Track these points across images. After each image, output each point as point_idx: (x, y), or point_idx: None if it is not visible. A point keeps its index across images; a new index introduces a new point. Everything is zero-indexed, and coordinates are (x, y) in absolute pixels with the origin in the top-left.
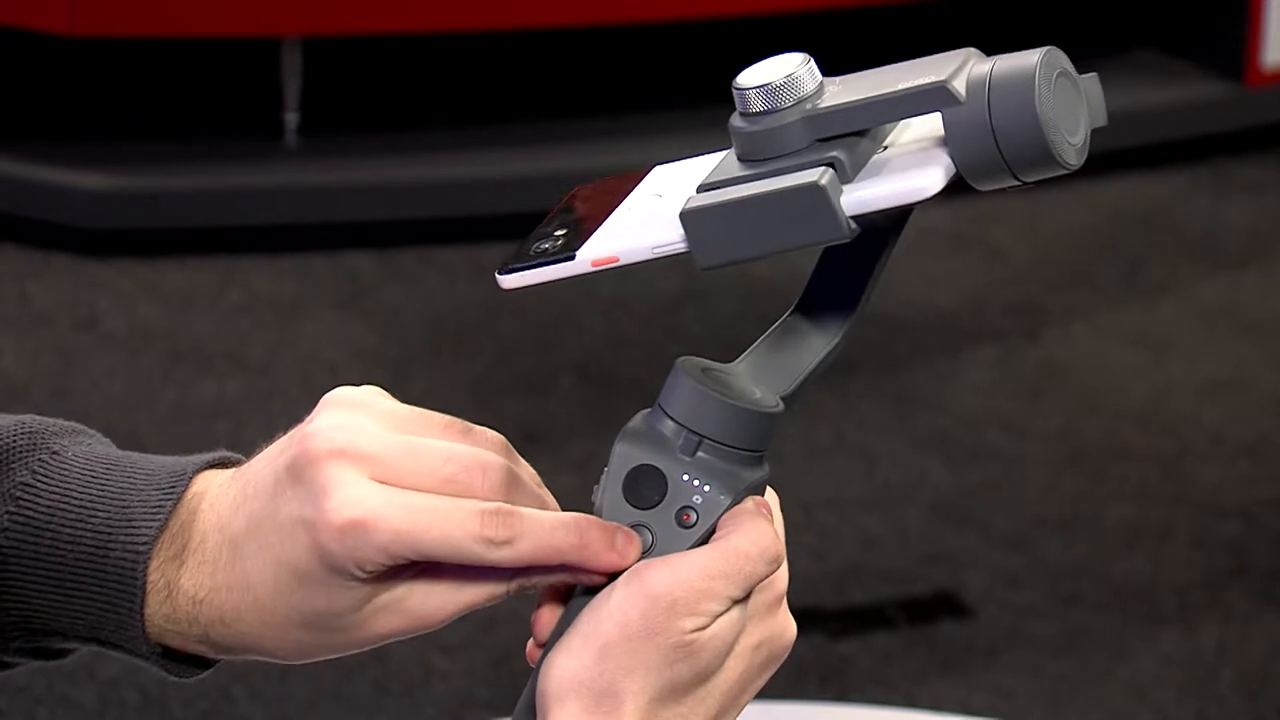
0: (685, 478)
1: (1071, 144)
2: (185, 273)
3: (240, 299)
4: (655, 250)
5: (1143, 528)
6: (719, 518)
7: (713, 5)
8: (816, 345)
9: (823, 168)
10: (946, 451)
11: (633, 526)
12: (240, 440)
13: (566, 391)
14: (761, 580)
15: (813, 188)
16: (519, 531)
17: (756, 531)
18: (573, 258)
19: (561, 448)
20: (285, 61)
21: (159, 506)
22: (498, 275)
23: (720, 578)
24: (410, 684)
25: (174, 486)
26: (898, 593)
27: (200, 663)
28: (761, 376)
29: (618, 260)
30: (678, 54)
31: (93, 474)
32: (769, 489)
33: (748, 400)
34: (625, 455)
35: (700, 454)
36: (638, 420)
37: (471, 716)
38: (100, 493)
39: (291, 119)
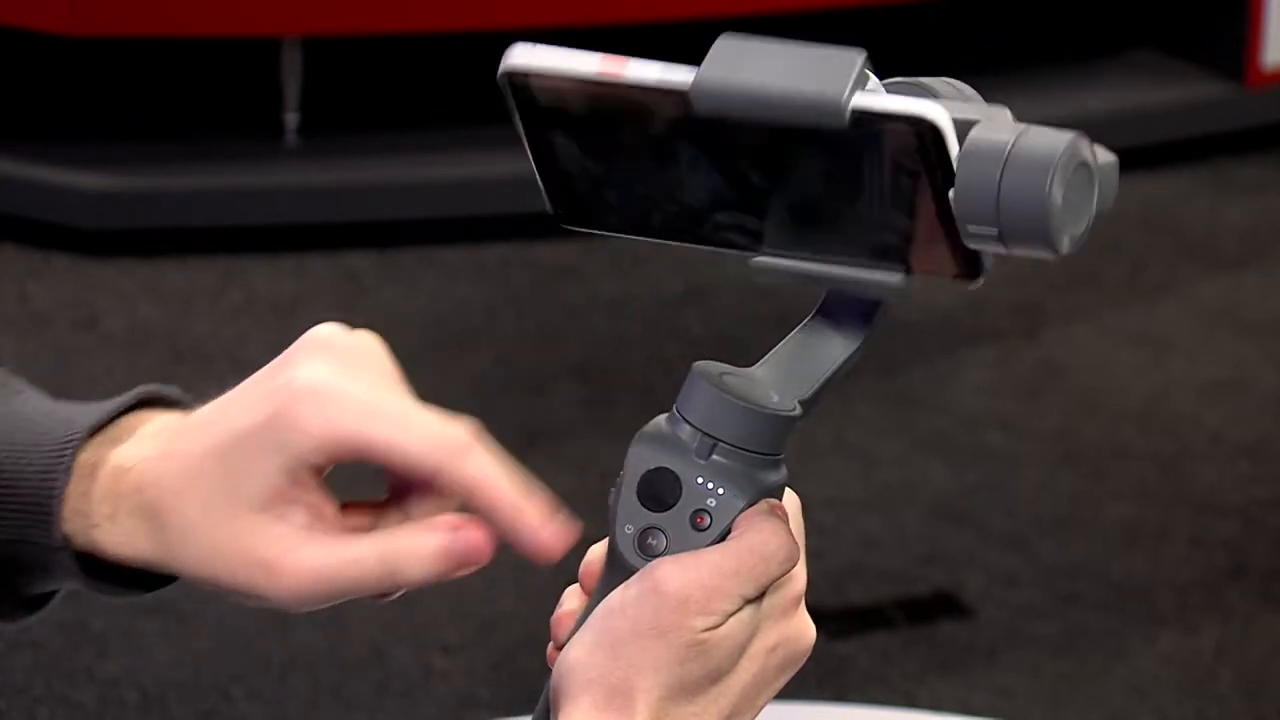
0: (700, 480)
1: (1070, 235)
2: (185, 273)
3: (240, 299)
4: (663, 75)
5: (1142, 527)
6: (733, 520)
7: (713, 5)
8: (837, 349)
9: (863, 57)
10: (945, 452)
11: (647, 529)
12: None
13: (566, 391)
14: (775, 579)
15: (846, 54)
16: (476, 455)
17: (769, 530)
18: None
19: (561, 448)
20: (285, 61)
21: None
22: (513, 46)
23: (732, 576)
24: (410, 684)
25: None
26: (897, 593)
27: (113, 579)
28: (780, 380)
29: (623, 74)
30: (677, 54)
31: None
32: (791, 492)
33: (763, 403)
34: (640, 458)
35: (715, 457)
36: (654, 424)
37: (471, 716)
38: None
39: (291, 119)
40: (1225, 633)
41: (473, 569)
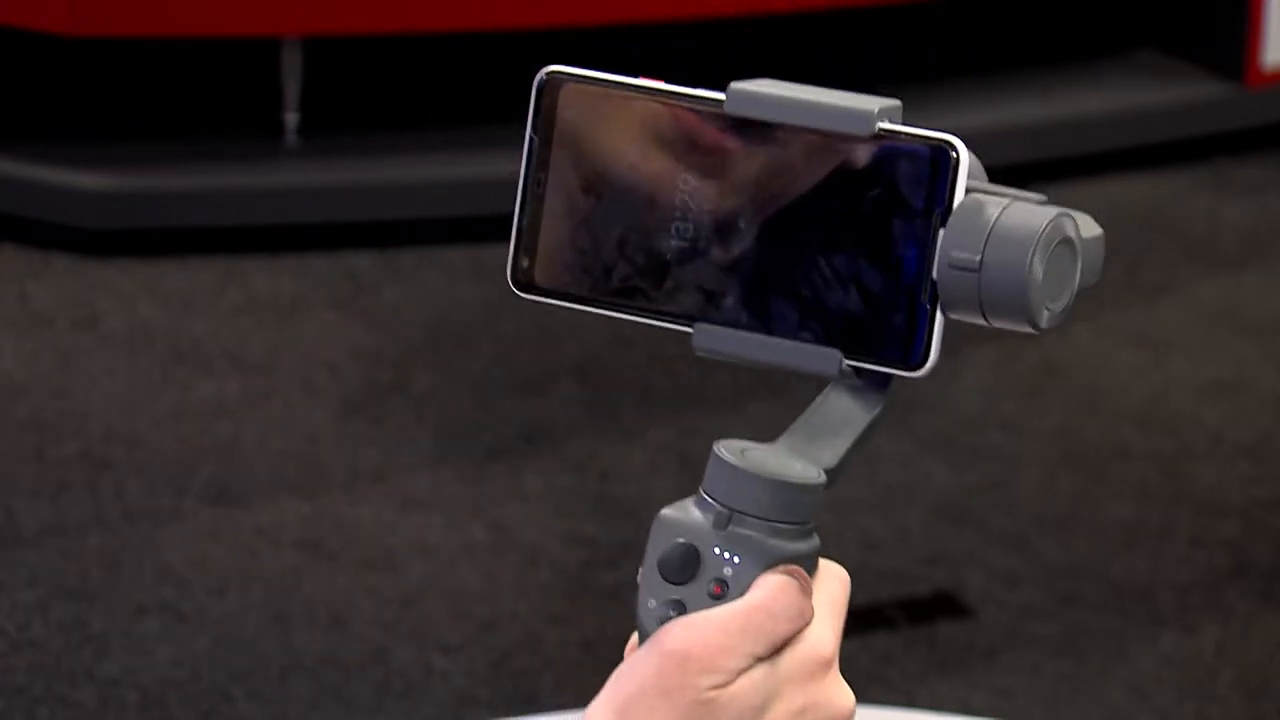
0: (717, 551)
1: (1050, 309)
2: (185, 273)
3: (240, 299)
4: (701, 91)
5: (1142, 527)
6: (748, 588)
7: (713, 5)
8: (858, 416)
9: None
10: (946, 452)
11: (669, 601)
12: (240, 440)
13: (566, 391)
14: (785, 637)
15: (867, 99)
16: None
17: (778, 587)
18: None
19: (561, 448)
20: (285, 61)
21: None
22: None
23: (738, 633)
24: (410, 684)
25: None
26: (898, 593)
27: None
28: (804, 450)
29: (662, 84)
30: (677, 54)
31: None
32: (838, 566)
33: (780, 473)
34: (661, 534)
35: (732, 527)
36: (678, 503)
37: (471, 716)
38: None
39: (291, 119)
40: (1225, 633)
41: None
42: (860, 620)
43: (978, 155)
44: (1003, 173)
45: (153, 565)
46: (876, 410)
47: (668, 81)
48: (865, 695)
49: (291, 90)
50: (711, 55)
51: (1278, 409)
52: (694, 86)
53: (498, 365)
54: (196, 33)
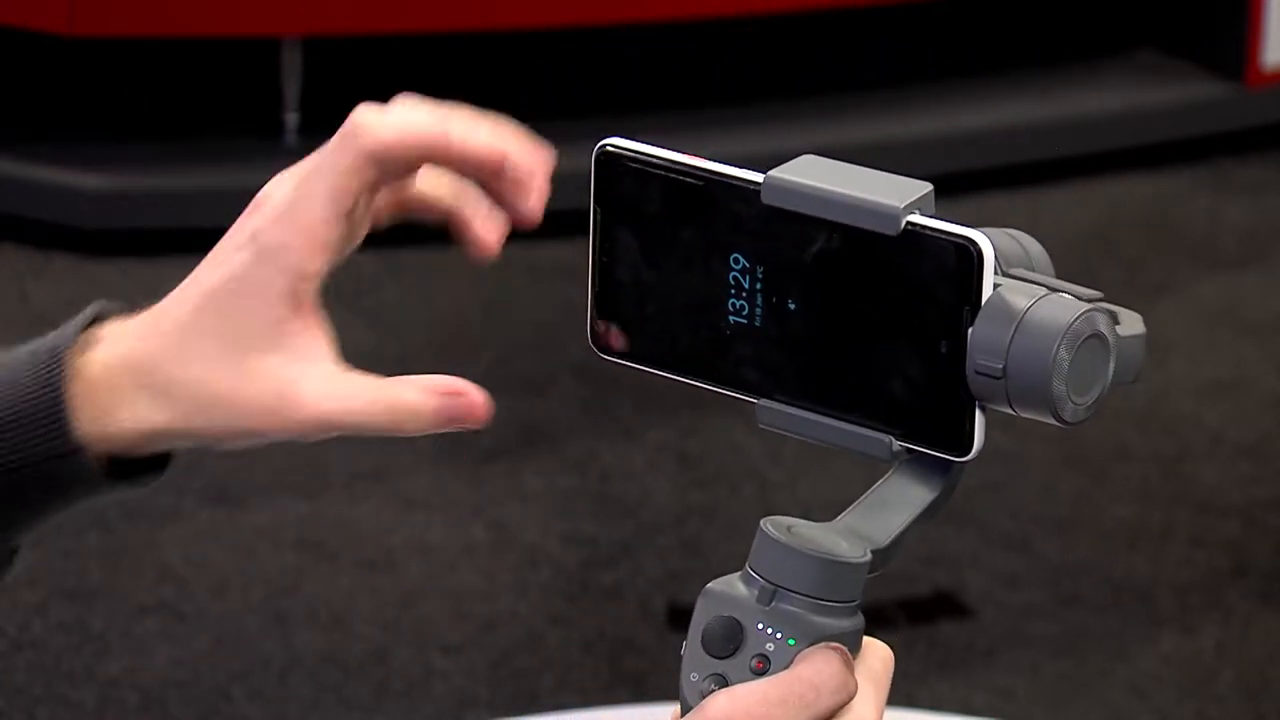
0: (760, 626)
1: (1076, 403)
2: (185, 273)
3: None
4: (740, 171)
5: (1142, 528)
6: (790, 664)
7: (713, 5)
8: (917, 497)
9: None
10: None
11: (711, 675)
12: None
13: (566, 391)
14: (829, 711)
15: (915, 181)
16: (376, 117)
17: (822, 660)
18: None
19: (561, 448)
20: (285, 61)
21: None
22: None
23: (779, 704)
24: (410, 684)
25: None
26: (898, 593)
27: (118, 470)
28: (854, 530)
29: (704, 164)
30: (678, 54)
31: None
32: (882, 644)
33: (827, 551)
34: (706, 609)
35: (777, 604)
36: (724, 578)
37: (471, 716)
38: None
39: (291, 119)
40: (1225, 633)
41: (469, 428)
42: None
43: (977, 156)
44: (1003, 173)
45: (153, 565)
46: (936, 492)
47: (716, 156)
48: None
49: (291, 90)
50: (711, 55)
51: (1278, 409)
52: (693, 88)
53: (498, 365)
54: (196, 33)
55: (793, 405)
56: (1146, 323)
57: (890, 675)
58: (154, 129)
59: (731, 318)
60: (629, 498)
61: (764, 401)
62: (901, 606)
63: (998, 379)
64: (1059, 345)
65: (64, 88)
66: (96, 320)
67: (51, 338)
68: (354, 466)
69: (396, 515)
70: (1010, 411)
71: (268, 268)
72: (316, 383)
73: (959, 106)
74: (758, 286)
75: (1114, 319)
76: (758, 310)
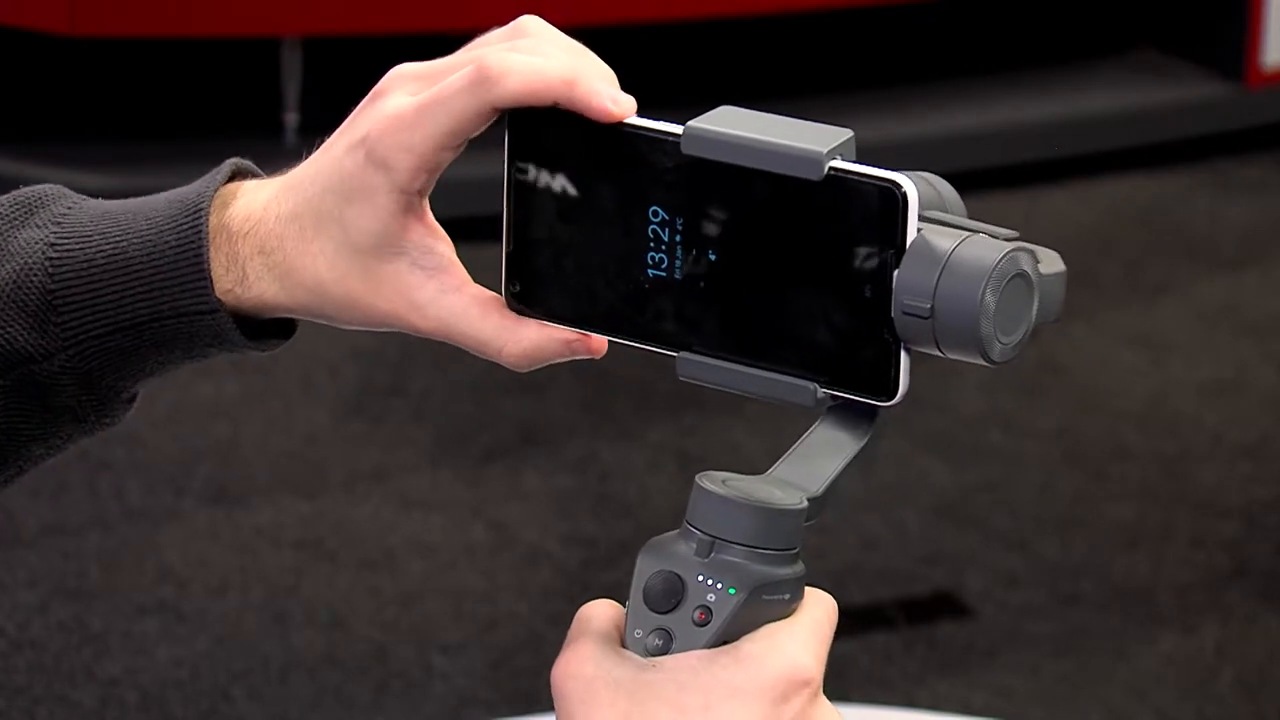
0: (700, 578)
1: (1003, 342)
2: None
3: None
4: (660, 125)
5: (1142, 528)
6: (731, 613)
7: (713, 5)
8: (846, 444)
9: (850, 135)
10: (946, 451)
11: (655, 630)
12: (239, 440)
13: (565, 391)
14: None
15: (836, 128)
16: (507, 67)
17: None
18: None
19: (561, 448)
20: (285, 61)
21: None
22: None
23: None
24: (410, 684)
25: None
26: (897, 593)
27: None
28: (791, 479)
29: (624, 119)
30: (678, 54)
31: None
32: (825, 594)
33: (762, 500)
34: (646, 565)
35: (715, 554)
36: (662, 535)
37: (471, 716)
38: (139, 208)
39: (291, 119)
40: (1225, 633)
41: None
42: (860, 620)
43: (977, 156)
44: (1003, 173)
45: (153, 565)
46: (864, 439)
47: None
48: (865, 695)
49: (291, 90)
50: (711, 55)
51: (1278, 409)
52: (693, 88)
53: (497, 365)
54: (196, 33)
55: (713, 356)
56: (1146, 322)
57: (834, 626)
58: (154, 129)
59: (650, 271)
60: (629, 498)
61: (684, 354)
62: (901, 606)
63: (925, 319)
64: (985, 286)
65: (64, 88)
66: (234, 177)
67: (192, 192)
68: (354, 466)
69: (396, 515)
70: (937, 353)
71: (376, 176)
72: (436, 294)
73: (959, 106)
74: (677, 239)
75: (1034, 258)
76: (677, 263)
